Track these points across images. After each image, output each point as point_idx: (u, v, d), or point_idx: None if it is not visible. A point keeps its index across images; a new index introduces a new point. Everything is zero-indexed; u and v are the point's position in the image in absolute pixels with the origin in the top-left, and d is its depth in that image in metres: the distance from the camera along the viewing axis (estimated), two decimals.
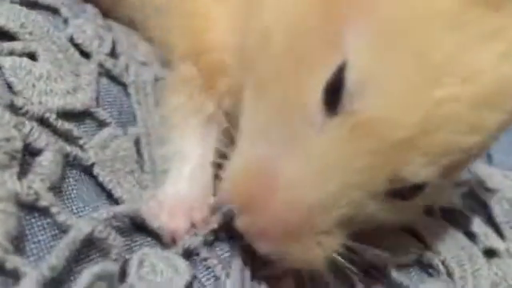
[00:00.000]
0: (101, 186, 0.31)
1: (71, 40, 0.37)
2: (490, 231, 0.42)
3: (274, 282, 0.33)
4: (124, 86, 0.39)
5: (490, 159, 0.54)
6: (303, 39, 0.29)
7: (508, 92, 0.28)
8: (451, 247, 0.39)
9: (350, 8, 0.28)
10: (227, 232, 0.33)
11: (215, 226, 0.33)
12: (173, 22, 0.40)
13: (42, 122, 0.30)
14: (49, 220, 0.26)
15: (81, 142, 0.31)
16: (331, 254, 0.30)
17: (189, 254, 0.31)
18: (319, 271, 0.30)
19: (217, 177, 0.35)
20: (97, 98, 0.35)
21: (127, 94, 0.39)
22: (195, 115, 0.38)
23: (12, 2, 0.35)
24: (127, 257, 0.29)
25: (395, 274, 0.36)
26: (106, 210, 0.29)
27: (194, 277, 0.30)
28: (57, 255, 0.24)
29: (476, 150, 0.30)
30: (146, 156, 0.36)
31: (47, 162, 0.28)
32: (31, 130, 0.28)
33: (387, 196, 0.29)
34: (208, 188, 0.36)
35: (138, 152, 0.36)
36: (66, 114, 0.32)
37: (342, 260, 0.30)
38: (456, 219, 0.42)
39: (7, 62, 0.31)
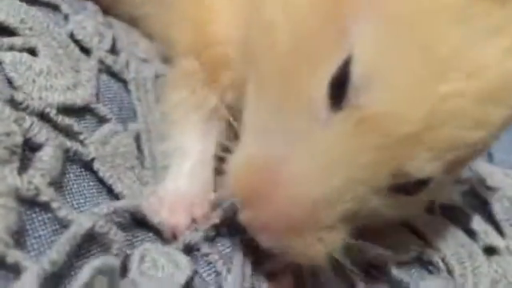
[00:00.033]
0: (101, 182, 0.31)
1: (71, 36, 0.37)
2: (490, 229, 0.42)
3: (274, 278, 0.33)
4: (124, 82, 0.39)
5: (490, 158, 0.54)
6: (308, 33, 0.29)
7: None
8: (451, 245, 0.39)
9: (355, 2, 0.28)
10: (228, 227, 0.33)
11: (216, 221, 0.33)
12: (175, 16, 0.40)
13: (43, 117, 0.30)
14: (49, 215, 0.26)
15: (81, 137, 0.31)
16: (333, 250, 0.29)
17: (190, 250, 0.31)
18: (320, 267, 0.30)
19: (217, 172, 0.36)
20: (97, 94, 0.35)
21: (127, 91, 0.39)
22: (196, 111, 0.38)
23: None
24: (128, 252, 0.29)
25: (395, 272, 0.36)
26: (106, 206, 0.29)
27: (195, 272, 0.30)
28: (57, 250, 0.24)
29: (480, 145, 0.29)
30: (147, 152, 0.36)
31: (47, 157, 0.28)
32: (31, 124, 0.28)
33: (391, 191, 0.29)
34: (208, 184, 0.36)
35: (139, 148, 0.36)
36: (67, 110, 0.32)
37: (343, 257, 0.30)
38: (456, 217, 0.42)
39: (7, 57, 0.31)
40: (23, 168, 0.26)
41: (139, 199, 0.32)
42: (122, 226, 0.29)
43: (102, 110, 0.35)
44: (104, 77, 0.38)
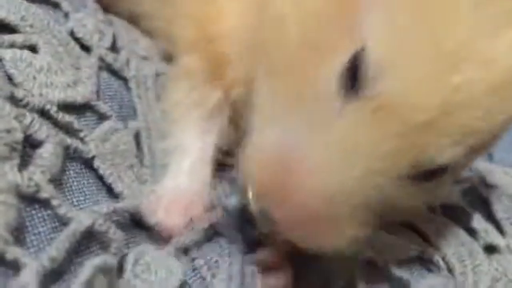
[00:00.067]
0: (101, 180, 0.31)
1: (72, 34, 0.37)
2: (490, 227, 0.42)
3: (272, 270, 0.33)
4: (125, 80, 0.39)
5: (490, 156, 0.54)
6: (319, 24, 0.29)
7: None
8: (452, 243, 0.39)
9: None
10: (227, 225, 0.33)
11: (213, 221, 0.33)
12: (178, 12, 0.40)
13: (43, 113, 0.30)
14: (49, 212, 0.26)
15: (81, 134, 0.31)
16: (353, 241, 0.29)
17: (179, 254, 0.31)
18: (321, 257, 0.30)
19: (216, 170, 0.36)
20: (97, 92, 0.35)
21: (128, 88, 0.39)
22: (197, 108, 0.38)
23: None
24: (125, 251, 0.29)
25: (396, 270, 0.36)
26: (106, 205, 0.29)
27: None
28: (57, 247, 0.24)
29: (501, 129, 0.30)
30: (146, 150, 0.36)
31: (48, 153, 0.28)
32: (32, 121, 0.28)
33: (411, 179, 0.29)
34: (207, 182, 0.36)
35: (138, 146, 0.36)
36: (67, 107, 0.32)
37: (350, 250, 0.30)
38: (456, 215, 0.42)
39: (8, 54, 0.31)
40: (23, 165, 0.26)
41: (139, 199, 0.32)
42: (121, 226, 0.29)
43: (103, 107, 0.35)
44: (104, 74, 0.38)
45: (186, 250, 0.32)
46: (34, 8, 0.35)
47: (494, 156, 0.53)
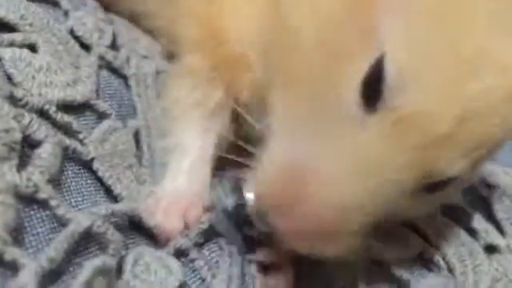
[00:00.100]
0: (99, 181, 0.31)
1: (71, 32, 0.37)
2: (490, 227, 0.42)
3: (274, 271, 0.33)
4: (125, 78, 0.39)
5: None
6: (337, 33, 0.29)
7: None
8: (452, 243, 0.39)
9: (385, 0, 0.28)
10: (227, 226, 0.33)
11: (213, 221, 0.33)
12: (182, 11, 0.40)
13: (42, 113, 0.29)
14: (48, 212, 0.26)
15: (80, 136, 0.31)
16: (355, 249, 0.29)
17: (179, 255, 0.31)
18: (323, 260, 0.30)
19: (216, 170, 0.36)
20: (97, 91, 0.35)
21: (128, 87, 0.39)
22: (198, 107, 0.38)
23: None
24: (123, 253, 0.29)
25: (396, 269, 0.36)
26: (105, 207, 0.29)
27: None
28: (55, 247, 0.24)
29: (503, 142, 0.30)
30: (145, 149, 0.36)
31: (46, 154, 0.27)
32: (30, 121, 0.28)
33: (418, 191, 0.29)
34: (207, 182, 0.35)
35: (137, 145, 0.36)
36: (66, 107, 0.32)
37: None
38: (457, 215, 0.42)
39: (7, 53, 0.31)
40: (22, 165, 0.26)
41: (137, 201, 0.32)
42: (119, 227, 0.29)
43: (102, 106, 0.34)
44: (104, 73, 0.38)
45: (185, 251, 0.32)
46: (34, 7, 0.35)
47: (495, 156, 0.53)
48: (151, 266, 0.29)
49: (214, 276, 0.31)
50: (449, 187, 0.30)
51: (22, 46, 0.32)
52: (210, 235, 0.33)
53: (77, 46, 0.37)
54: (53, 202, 0.26)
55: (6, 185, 0.24)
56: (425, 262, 0.38)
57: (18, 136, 0.26)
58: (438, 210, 0.41)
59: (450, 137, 0.27)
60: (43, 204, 0.26)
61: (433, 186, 0.29)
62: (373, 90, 0.27)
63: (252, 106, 0.35)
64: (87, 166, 0.31)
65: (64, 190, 0.29)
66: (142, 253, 0.29)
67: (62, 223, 0.26)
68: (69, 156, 0.30)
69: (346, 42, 0.28)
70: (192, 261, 0.31)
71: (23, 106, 0.29)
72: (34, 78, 0.31)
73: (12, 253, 0.23)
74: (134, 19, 0.47)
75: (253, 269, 0.33)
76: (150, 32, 0.46)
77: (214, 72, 0.37)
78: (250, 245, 0.33)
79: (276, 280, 0.34)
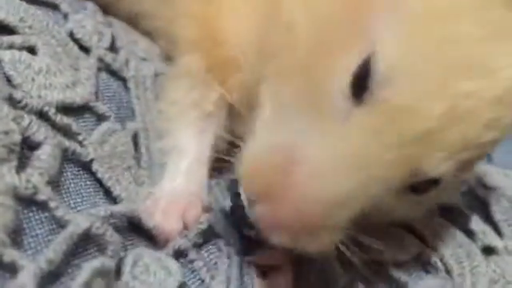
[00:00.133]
0: (98, 182, 0.31)
1: (71, 35, 0.37)
2: (488, 229, 0.42)
3: (274, 270, 0.33)
4: (124, 80, 0.39)
5: (488, 157, 0.54)
6: (330, 28, 0.29)
7: None
8: (450, 245, 0.39)
9: None
10: (226, 227, 0.34)
11: (211, 222, 0.33)
12: (180, 11, 0.40)
13: (41, 115, 0.30)
14: (47, 214, 0.26)
15: (80, 137, 0.31)
16: (338, 242, 0.29)
17: (178, 256, 0.32)
18: (322, 258, 0.30)
19: (213, 171, 0.36)
20: (96, 93, 0.35)
21: (127, 89, 0.39)
22: (194, 108, 0.38)
23: None
24: (122, 254, 0.29)
25: (394, 271, 0.36)
26: (104, 208, 0.29)
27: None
28: (54, 249, 0.24)
29: (490, 146, 0.30)
30: (144, 151, 0.36)
31: (46, 155, 0.28)
32: (30, 123, 0.28)
33: (403, 190, 0.29)
34: (205, 183, 0.36)
35: (136, 147, 0.36)
36: (65, 109, 0.32)
37: (347, 251, 0.30)
38: (455, 217, 0.42)
39: (6, 55, 0.31)
40: (21, 166, 0.26)
41: (136, 203, 0.32)
42: (118, 229, 0.29)
43: (101, 108, 0.35)
44: (103, 75, 0.38)
45: (184, 251, 0.32)
46: (33, 9, 0.35)
47: (493, 157, 0.53)
48: (150, 267, 0.29)
49: (212, 277, 0.31)
50: (434, 190, 0.30)
51: (21, 48, 0.32)
52: (208, 236, 0.33)
53: (76, 49, 0.37)
54: (52, 204, 0.26)
55: (5, 186, 0.24)
56: (422, 264, 0.38)
57: (17, 138, 0.27)
58: (436, 212, 0.41)
59: (436, 135, 0.27)
60: (42, 205, 0.26)
61: (419, 187, 0.30)
62: (362, 83, 0.27)
63: (241, 107, 0.36)
64: (86, 167, 0.31)
65: (63, 191, 0.29)
66: (141, 254, 0.29)
67: (61, 225, 0.26)
68: (68, 157, 0.30)
69: (338, 37, 0.29)
70: (191, 261, 0.32)
71: (23, 108, 0.29)
72: (33, 80, 0.31)
73: (11, 254, 0.23)
74: (133, 21, 0.47)
75: (252, 270, 0.33)
76: (148, 34, 0.47)
77: (209, 73, 0.37)
78: (248, 245, 0.33)
79: (275, 280, 0.34)
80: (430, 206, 0.37)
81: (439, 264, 0.37)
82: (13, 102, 0.29)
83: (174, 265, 0.30)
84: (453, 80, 0.27)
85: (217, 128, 0.37)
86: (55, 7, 0.38)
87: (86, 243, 0.27)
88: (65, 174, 0.29)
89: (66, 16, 0.38)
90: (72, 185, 0.29)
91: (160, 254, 0.31)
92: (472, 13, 0.28)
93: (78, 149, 0.31)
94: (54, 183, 0.28)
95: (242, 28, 0.36)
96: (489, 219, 0.43)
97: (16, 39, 0.32)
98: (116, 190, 0.31)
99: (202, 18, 0.38)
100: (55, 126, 0.30)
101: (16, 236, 0.24)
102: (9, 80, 0.30)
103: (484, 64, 0.27)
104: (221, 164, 0.36)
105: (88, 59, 0.37)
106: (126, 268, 0.28)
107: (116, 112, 0.36)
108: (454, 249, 0.39)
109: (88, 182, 0.31)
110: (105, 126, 0.34)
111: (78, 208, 0.29)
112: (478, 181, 0.46)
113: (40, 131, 0.28)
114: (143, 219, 0.31)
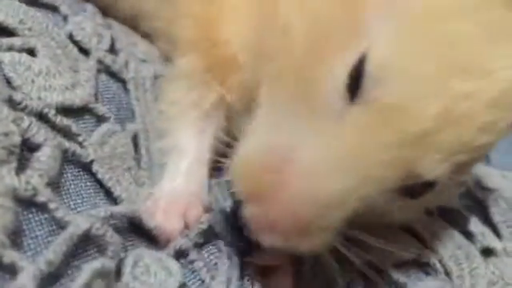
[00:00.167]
0: (99, 183, 0.31)
1: (70, 37, 0.37)
2: (487, 231, 0.42)
3: (274, 270, 0.33)
4: (123, 82, 0.39)
5: (487, 159, 0.54)
6: (325, 30, 0.29)
7: None
8: (449, 246, 0.39)
9: None
10: (226, 227, 0.34)
11: (211, 222, 0.33)
12: (180, 11, 0.40)
13: (41, 117, 0.30)
14: (46, 215, 0.26)
15: (80, 138, 0.31)
16: (334, 243, 0.29)
17: (179, 256, 0.32)
18: (321, 259, 0.30)
19: (213, 171, 0.36)
20: (95, 94, 0.35)
21: (126, 90, 0.39)
22: (194, 108, 0.38)
23: None
24: (122, 255, 0.29)
25: (393, 273, 0.36)
26: (104, 209, 0.29)
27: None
28: (54, 250, 0.24)
29: (486, 149, 0.30)
30: (144, 152, 0.36)
31: (45, 157, 0.28)
32: (30, 124, 0.28)
33: (398, 193, 0.29)
34: (204, 183, 0.36)
35: (136, 148, 0.36)
36: (65, 110, 0.32)
37: (346, 250, 0.30)
38: (454, 219, 0.42)
39: (6, 57, 0.31)
40: (21, 168, 0.26)
41: (137, 203, 0.32)
42: (118, 229, 0.29)
43: (101, 109, 0.35)
44: (103, 77, 0.38)
45: (185, 251, 0.32)
46: (33, 11, 0.35)
47: (491, 159, 0.53)
48: (151, 267, 0.29)
49: (213, 278, 0.31)
50: (430, 193, 0.30)
51: (21, 50, 0.32)
52: (209, 236, 0.33)
53: (75, 50, 0.37)
54: (51, 205, 0.26)
55: (5, 188, 0.24)
56: (421, 266, 0.38)
57: (17, 139, 0.27)
58: (435, 214, 0.41)
59: (431, 137, 0.27)
60: (42, 207, 0.26)
61: (414, 191, 0.30)
62: (356, 83, 0.27)
63: (241, 107, 0.36)
64: (86, 168, 0.31)
65: (63, 192, 0.29)
66: (142, 254, 0.29)
67: (61, 226, 0.26)
68: (68, 159, 0.30)
69: (334, 38, 0.29)
70: (191, 262, 0.32)
71: (22, 110, 0.29)
72: (33, 81, 0.31)
73: (10, 256, 0.23)
74: (132, 22, 0.47)
75: (252, 270, 0.33)
76: (148, 36, 0.47)
77: (208, 73, 0.38)
78: (248, 246, 0.33)
79: (276, 280, 0.34)
80: (428, 209, 0.37)
81: (438, 265, 0.38)
82: (13, 104, 0.29)
83: (174, 265, 0.30)
84: (448, 81, 0.27)
85: (215, 128, 0.38)
86: (55, 9, 0.38)
87: (86, 244, 0.27)
88: (65, 175, 0.29)
89: (65, 18, 0.38)
90: (72, 186, 0.29)
91: (160, 254, 0.31)
92: (470, 13, 0.27)
93: (78, 150, 0.31)
94: (54, 184, 0.28)
95: (243, 29, 0.37)
96: (487, 221, 0.43)
97: (16, 41, 0.33)
98: (116, 191, 0.31)
99: (203, 18, 0.38)
100: (55, 128, 0.30)
101: (16, 237, 0.24)
102: (9, 82, 0.30)
103: (480, 65, 0.27)
104: (221, 164, 0.36)
105: (87, 61, 0.37)
106: (127, 269, 0.28)
107: (116, 113, 0.36)
108: (452, 250, 0.39)
109: (88, 183, 0.31)
110: (105, 127, 0.34)
111: (79, 209, 0.29)
112: (476, 182, 0.46)
113: (40, 133, 0.28)
114: (144, 220, 0.31)
